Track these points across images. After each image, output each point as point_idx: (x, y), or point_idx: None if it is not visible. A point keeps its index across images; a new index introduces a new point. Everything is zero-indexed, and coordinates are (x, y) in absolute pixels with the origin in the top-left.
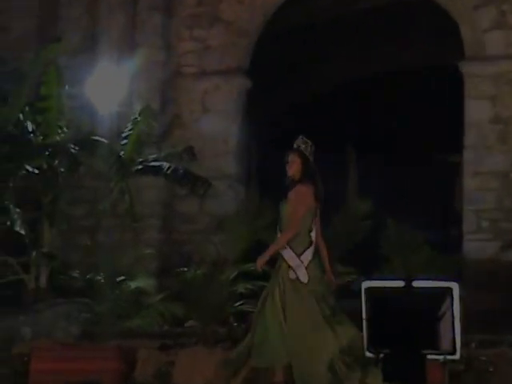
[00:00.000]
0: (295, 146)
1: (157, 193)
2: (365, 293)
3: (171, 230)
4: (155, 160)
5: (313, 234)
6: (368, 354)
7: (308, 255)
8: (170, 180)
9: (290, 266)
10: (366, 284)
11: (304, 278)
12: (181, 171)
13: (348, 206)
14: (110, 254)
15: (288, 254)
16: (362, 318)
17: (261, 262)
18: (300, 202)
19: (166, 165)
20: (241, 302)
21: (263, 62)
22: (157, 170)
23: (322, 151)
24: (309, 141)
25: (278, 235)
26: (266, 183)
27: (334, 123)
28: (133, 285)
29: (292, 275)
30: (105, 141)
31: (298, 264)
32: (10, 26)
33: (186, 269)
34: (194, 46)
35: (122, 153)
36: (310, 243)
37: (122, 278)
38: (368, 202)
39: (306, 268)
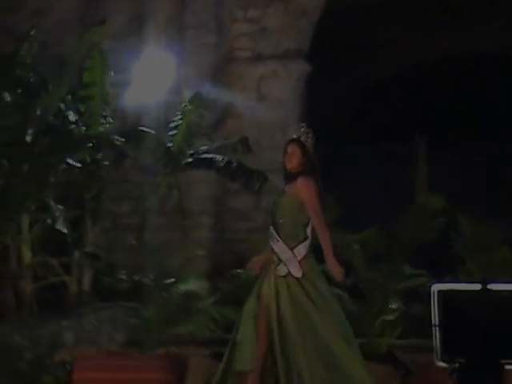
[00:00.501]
0: (295, 136)
1: (208, 188)
2: (436, 297)
3: (223, 228)
4: (206, 152)
5: (308, 230)
6: (440, 364)
7: (301, 250)
8: (222, 174)
9: (280, 261)
10: (437, 287)
11: (297, 272)
12: (234, 164)
13: (417, 201)
14: (157, 255)
15: (280, 248)
16: (432, 325)
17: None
18: (314, 195)
19: (218, 157)
20: None
21: (324, 45)
22: (208, 163)
23: (388, 141)
24: (310, 130)
25: (271, 230)
26: (329, 176)
27: (401, 110)
28: (182, 287)
29: (282, 271)
30: (152, 132)
31: (290, 257)
32: (51, 8)
33: (239, 270)
34: (249, 28)
35: (170, 145)
36: (305, 238)
37: (171, 280)
38: (439, 197)
39: (300, 262)
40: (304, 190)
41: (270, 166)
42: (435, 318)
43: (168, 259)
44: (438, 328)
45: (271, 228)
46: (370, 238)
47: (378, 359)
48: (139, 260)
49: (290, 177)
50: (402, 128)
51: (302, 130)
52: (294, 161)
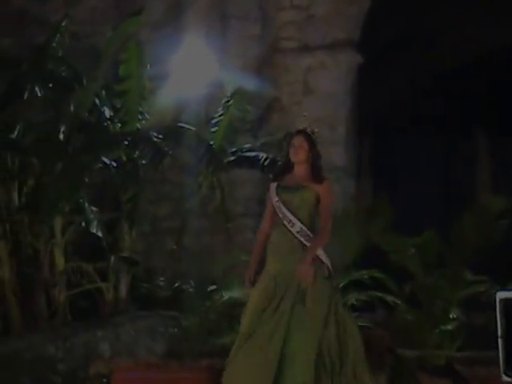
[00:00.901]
0: (301, 127)
1: (252, 188)
2: (500, 305)
3: None
4: (250, 150)
5: None
6: (506, 379)
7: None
8: (267, 173)
9: (323, 262)
10: (501, 295)
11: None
12: (280, 163)
13: (480, 201)
14: (199, 260)
15: (307, 239)
16: (496, 336)
17: (306, 270)
18: (333, 200)
19: (262, 155)
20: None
21: (375, 34)
22: (252, 162)
23: (447, 136)
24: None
25: (297, 226)
26: (380, 176)
27: (461, 104)
28: (226, 295)
29: (325, 271)
30: (192, 128)
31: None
32: None
33: None
34: (295, 16)
35: (211, 142)
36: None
37: (214, 287)
38: (504, 198)
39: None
40: (328, 194)
41: None
42: (499, 328)
43: (210, 265)
44: (502, 340)
45: (299, 225)
46: (428, 241)
47: (436, 373)
48: (179, 266)
49: (288, 168)
50: (461, 122)
51: (306, 121)
52: (301, 154)
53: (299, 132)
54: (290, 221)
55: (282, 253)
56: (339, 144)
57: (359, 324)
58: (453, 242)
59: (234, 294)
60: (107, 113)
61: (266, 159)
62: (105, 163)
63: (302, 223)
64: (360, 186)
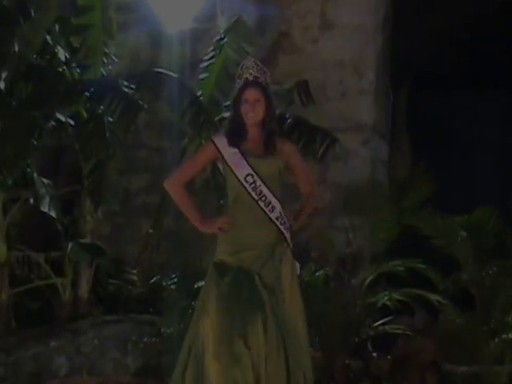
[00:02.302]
0: (250, 76)
1: None
2: None
3: None
4: None
5: None
6: None
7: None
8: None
9: (293, 253)
10: None
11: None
12: (289, 120)
13: None
14: (183, 248)
15: (287, 233)
16: None
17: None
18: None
19: None
20: (383, 321)
21: None
22: None
23: (490, 91)
24: (265, 68)
25: (277, 211)
26: (420, 139)
27: (507, 53)
28: None
29: (297, 268)
30: (174, 75)
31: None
32: None
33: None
34: None
35: (199, 93)
36: None
37: (202, 282)
38: None
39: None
40: (295, 154)
41: (339, 123)
42: None
43: (198, 253)
44: None
45: (278, 205)
46: (482, 221)
47: None
48: (158, 255)
49: (242, 132)
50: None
51: (256, 65)
52: (260, 111)
53: (252, 83)
54: (270, 203)
55: (257, 246)
56: (367, 95)
57: (393, 331)
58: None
59: None
60: (62, 54)
61: None
62: (59, 121)
63: (280, 205)
64: (394, 151)
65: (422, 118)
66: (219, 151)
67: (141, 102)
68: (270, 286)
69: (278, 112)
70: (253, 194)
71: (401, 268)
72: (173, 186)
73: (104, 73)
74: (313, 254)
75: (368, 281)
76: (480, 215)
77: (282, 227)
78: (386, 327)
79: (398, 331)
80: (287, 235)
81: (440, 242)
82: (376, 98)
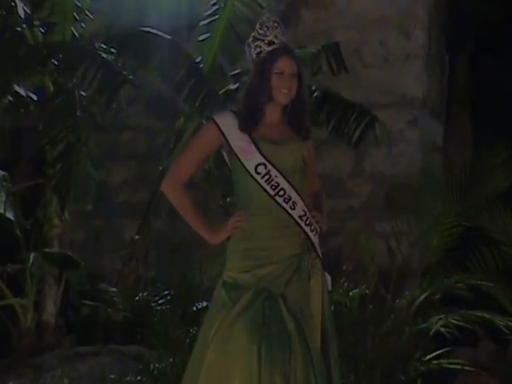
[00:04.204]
0: (276, 39)
1: None
2: None
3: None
4: None
5: None
6: None
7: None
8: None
9: (323, 264)
10: None
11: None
12: (316, 93)
13: None
14: (178, 258)
15: (315, 238)
16: None
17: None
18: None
19: None
20: (438, 353)
21: None
22: None
23: None
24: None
25: (299, 208)
26: (483, 117)
27: None
28: None
29: (328, 283)
30: (166, 35)
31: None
32: None
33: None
34: None
35: (198, 59)
36: None
37: (204, 303)
38: None
39: None
40: (313, 153)
41: (380, 97)
42: None
43: (197, 265)
44: None
45: (300, 201)
46: None
47: None
48: (146, 269)
49: (259, 115)
50: None
51: (280, 27)
52: (294, 88)
53: (287, 50)
54: (290, 198)
55: (279, 258)
56: (416, 61)
57: (450, 366)
58: None
59: None
60: (21, 9)
61: None
62: (18, 95)
63: (303, 202)
64: (451, 134)
65: (489, 92)
66: (224, 135)
67: (124, 72)
68: (297, 311)
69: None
70: (267, 188)
71: (460, 285)
72: (170, 188)
73: (76, 33)
74: (345, 266)
75: (418, 302)
76: None
77: (307, 229)
78: (442, 361)
79: (457, 366)
80: (315, 240)
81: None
82: (427, 65)
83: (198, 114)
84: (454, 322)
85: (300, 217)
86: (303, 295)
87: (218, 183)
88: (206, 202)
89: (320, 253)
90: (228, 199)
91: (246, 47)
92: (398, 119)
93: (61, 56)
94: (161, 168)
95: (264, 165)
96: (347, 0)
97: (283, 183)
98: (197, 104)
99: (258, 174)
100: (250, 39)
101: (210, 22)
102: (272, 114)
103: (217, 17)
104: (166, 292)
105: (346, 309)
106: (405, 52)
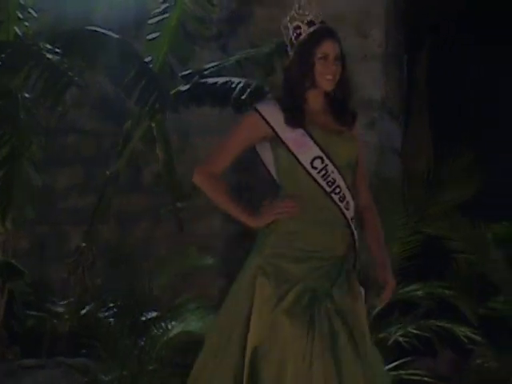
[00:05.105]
0: (316, 19)
1: (222, 139)
2: None
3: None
4: (217, 73)
5: None
6: None
7: None
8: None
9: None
10: None
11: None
12: (270, 95)
13: None
14: (127, 267)
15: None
16: None
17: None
18: None
19: (238, 82)
20: (396, 363)
21: None
22: (220, 94)
23: None
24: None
25: (352, 208)
26: (444, 119)
27: None
28: (175, 329)
29: (362, 293)
30: (114, 35)
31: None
32: None
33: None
34: None
35: (148, 58)
36: None
37: (154, 313)
38: None
39: None
40: (360, 146)
41: None
42: None
43: (148, 273)
44: None
45: (352, 201)
46: None
47: None
48: (93, 278)
49: (302, 104)
50: None
51: (316, 6)
52: (339, 74)
53: (330, 33)
54: (344, 197)
55: (324, 257)
56: (374, 61)
57: (409, 377)
58: None
59: (191, 325)
60: None
61: (244, 88)
62: None
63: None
64: (410, 137)
65: (450, 92)
66: (271, 126)
67: (70, 73)
68: (345, 312)
69: (253, 84)
70: (323, 184)
71: (419, 293)
72: (205, 180)
73: (19, 32)
74: None
75: (376, 311)
76: None
77: (355, 233)
78: (401, 372)
79: (416, 377)
80: (357, 245)
81: (473, 258)
82: (385, 66)
83: (148, 116)
84: (412, 331)
85: (352, 219)
86: (350, 298)
87: (168, 188)
88: (156, 207)
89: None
90: (179, 204)
91: (283, 29)
92: (360, 121)
93: (3, 56)
94: (108, 172)
95: (321, 158)
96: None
97: (339, 180)
98: (147, 106)
99: (314, 168)
100: (288, 19)
101: (160, 20)
102: (315, 102)
103: (166, 15)
104: (114, 302)
105: None
106: (362, 52)
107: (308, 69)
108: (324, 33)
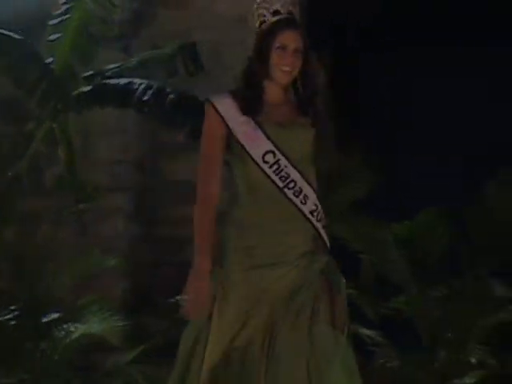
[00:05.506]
0: (283, 9)
1: (123, 141)
2: None
3: (156, 216)
4: (119, 74)
5: None
6: None
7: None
8: (149, 114)
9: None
10: None
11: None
12: (172, 95)
13: None
14: (29, 269)
15: (326, 235)
16: None
17: None
18: None
19: (141, 83)
20: None
21: None
22: (122, 95)
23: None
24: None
25: (311, 201)
26: (348, 118)
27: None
28: (77, 331)
29: (343, 286)
30: (15, 36)
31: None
32: None
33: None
34: None
35: (49, 59)
36: None
37: (54, 316)
38: None
39: None
40: (321, 116)
41: None
42: None
43: (49, 276)
44: None
45: (312, 194)
46: (428, 229)
47: None
48: None
49: (261, 95)
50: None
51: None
52: (298, 66)
53: (292, 22)
54: (301, 191)
55: (287, 258)
56: None
57: None
58: (472, 232)
59: (93, 327)
60: None
61: (146, 89)
62: None
63: (316, 194)
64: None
65: (354, 91)
66: (224, 120)
67: None
68: (305, 311)
69: (155, 86)
70: (276, 179)
71: None
72: (202, 216)
73: None
74: None
75: None
76: (424, 221)
77: (319, 225)
78: None
79: None
80: (326, 237)
81: (372, 257)
82: None
83: (49, 117)
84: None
85: (311, 212)
86: (315, 295)
87: (71, 189)
88: (59, 209)
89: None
90: (81, 206)
91: (249, 16)
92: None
93: None
94: (10, 174)
95: (273, 153)
96: (206, 5)
97: (294, 174)
98: (49, 108)
99: (266, 162)
100: (255, 6)
101: (61, 20)
102: (273, 94)
103: (68, 16)
104: (16, 304)
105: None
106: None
107: (265, 58)
108: (285, 23)
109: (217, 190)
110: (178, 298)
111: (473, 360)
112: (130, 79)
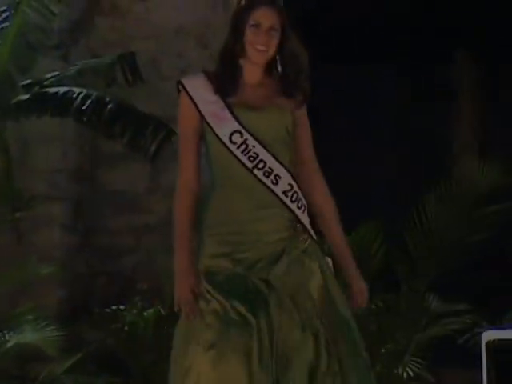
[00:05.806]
0: None
1: (61, 150)
2: (487, 352)
3: (92, 225)
4: (58, 83)
5: None
6: None
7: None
8: (87, 124)
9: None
10: (489, 335)
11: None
12: (110, 105)
13: (459, 171)
14: None
15: (305, 216)
16: None
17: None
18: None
19: (79, 92)
20: None
21: None
22: (60, 104)
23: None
24: None
25: (284, 182)
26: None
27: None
28: (12, 339)
29: (330, 264)
30: None
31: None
32: None
33: (121, 307)
34: None
35: None
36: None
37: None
38: (498, 164)
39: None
40: (307, 118)
41: (177, 110)
42: (485, 379)
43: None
44: None
45: (287, 174)
46: (361, 243)
47: None
48: None
49: (237, 75)
50: (437, 42)
51: None
52: (274, 45)
53: (266, 0)
54: (271, 171)
55: (262, 242)
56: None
57: None
58: (409, 243)
59: (28, 336)
60: None
61: (85, 98)
62: None
63: (291, 175)
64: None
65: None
66: (193, 101)
67: None
68: (288, 302)
69: (94, 95)
70: (244, 160)
71: None
72: (182, 208)
73: None
74: (139, 285)
75: None
76: (360, 235)
77: (293, 206)
78: None
79: None
80: (305, 219)
81: None
82: None
83: None
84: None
85: (284, 192)
86: (296, 284)
87: (7, 197)
88: None
89: (312, 231)
90: (18, 214)
91: None
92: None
93: None
94: None
95: (240, 132)
96: (145, 9)
97: (263, 154)
98: None
99: (233, 143)
100: None
101: (0, 29)
102: (251, 75)
103: (7, 24)
104: None
105: (140, 329)
106: (204, 64)
107: (239, 36)
108: (255, 0)
109: (193, 175)
110: (114, 307)
111: (408, 374)
112: (68, 88)
